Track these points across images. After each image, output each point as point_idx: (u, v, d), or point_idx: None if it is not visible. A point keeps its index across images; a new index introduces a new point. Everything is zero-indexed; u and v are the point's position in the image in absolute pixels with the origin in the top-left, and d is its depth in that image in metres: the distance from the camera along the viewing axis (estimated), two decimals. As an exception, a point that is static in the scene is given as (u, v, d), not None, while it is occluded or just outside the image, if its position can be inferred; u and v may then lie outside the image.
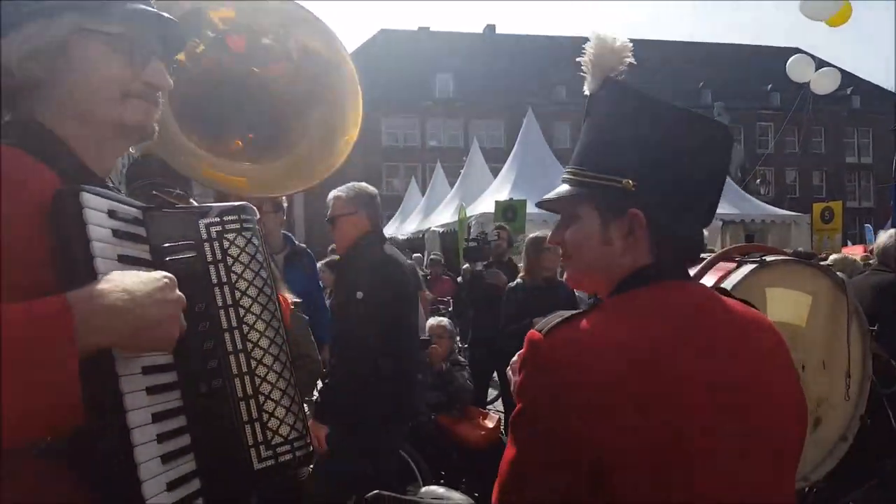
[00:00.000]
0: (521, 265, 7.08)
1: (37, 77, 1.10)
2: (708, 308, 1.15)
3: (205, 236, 1.18)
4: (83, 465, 0.97)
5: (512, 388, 1.13)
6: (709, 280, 2.82)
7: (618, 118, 1.20)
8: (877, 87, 50.68)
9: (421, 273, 7.73)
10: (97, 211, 1.03)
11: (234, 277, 1.19)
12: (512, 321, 4.74)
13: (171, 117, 1.72)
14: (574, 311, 1.11)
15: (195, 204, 1.29)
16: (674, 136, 1.17)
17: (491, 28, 51.48)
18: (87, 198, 1.01)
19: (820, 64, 9.78)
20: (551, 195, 1.26)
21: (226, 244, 1.19)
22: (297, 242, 4.22)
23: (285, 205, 3.90)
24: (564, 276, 1.36)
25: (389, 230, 21.44)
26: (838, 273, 3.16)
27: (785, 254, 3.11)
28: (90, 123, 1.15)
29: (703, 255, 2.79)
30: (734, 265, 2.90)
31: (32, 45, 1.08)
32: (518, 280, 5.22)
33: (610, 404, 1.00)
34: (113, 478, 0.97)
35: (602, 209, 1.17)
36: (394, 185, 40.78)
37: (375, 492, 1.59)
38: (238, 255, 1.20)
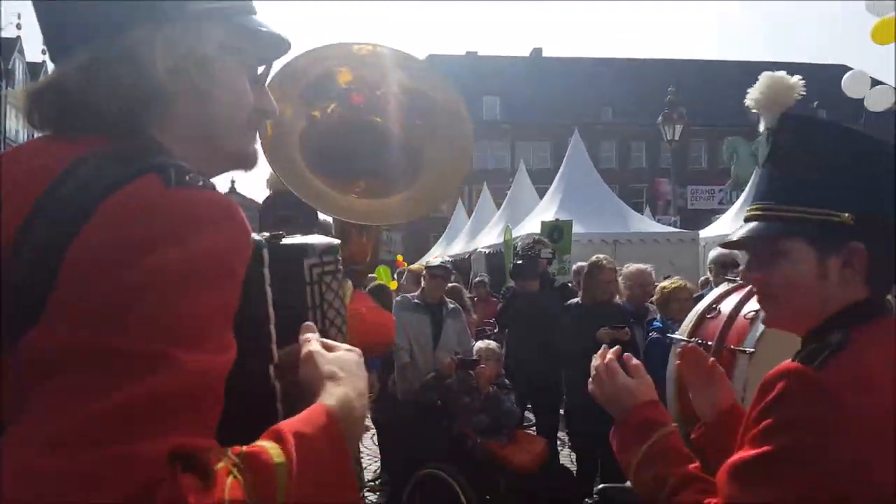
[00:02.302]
0: (561, 283, 7.05)
1: (176, 92, 0.88)
2: None
3: (307, 279, 1.09)
4: None
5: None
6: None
7: (817, 151, 1.20)
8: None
9: (467, 295, 7.70)
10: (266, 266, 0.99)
11: (327, 324, 1.11)
12: (569, 338, 4.88)
13: (303, 163, 1.91)
14: (815, 346, 1.10)
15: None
16: (884, 167, 1.16)
17: (538, 51, 51.42)
18: (264, 252, 0.98)
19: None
20: (744, 233, 1.23)
21: (324, 288, 1.11)
22: None
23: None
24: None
25: (436, 251, 21.49)
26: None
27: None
28: (215, 152, 0.96)
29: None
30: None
31: (181, 54, 0.87)
32: (576, 300, 5.29)
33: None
34: None
35: (818, 245, 1.16)
36: (440, 207, 40.78)
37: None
38: (332, 300, 1.12)
